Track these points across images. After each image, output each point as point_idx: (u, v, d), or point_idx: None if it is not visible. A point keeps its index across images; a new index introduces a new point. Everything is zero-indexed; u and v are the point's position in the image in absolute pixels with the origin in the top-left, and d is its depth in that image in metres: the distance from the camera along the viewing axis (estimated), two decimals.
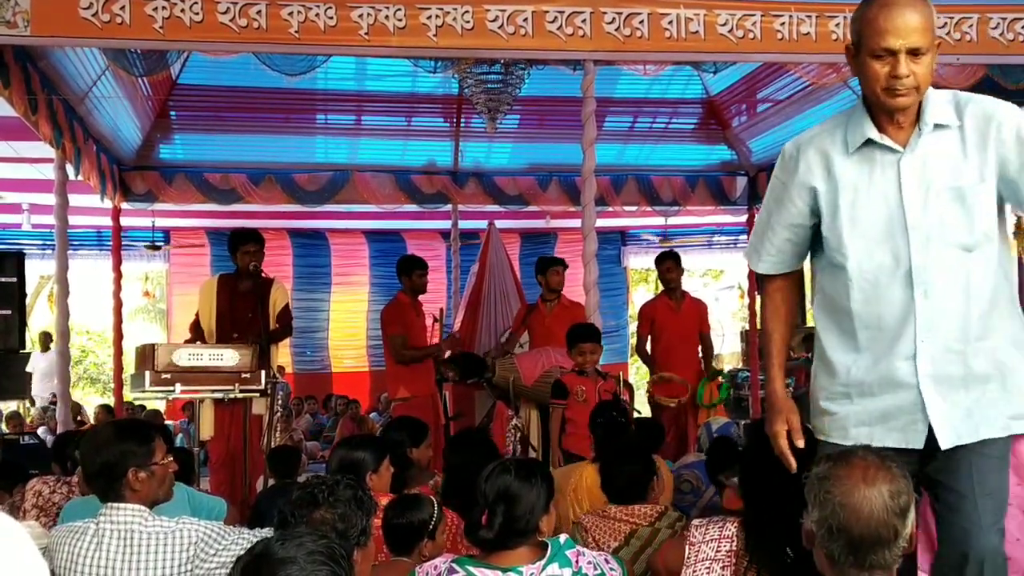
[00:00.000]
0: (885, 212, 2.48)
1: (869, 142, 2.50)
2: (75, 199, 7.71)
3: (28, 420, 11.35)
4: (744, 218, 10.72)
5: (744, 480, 2.88)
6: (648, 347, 7.70)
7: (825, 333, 2.61)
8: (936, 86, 2.54)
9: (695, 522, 2.81)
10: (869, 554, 1.98)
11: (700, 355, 7.66)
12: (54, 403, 10.20)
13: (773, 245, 2.71)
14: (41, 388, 11.35)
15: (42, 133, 6.42)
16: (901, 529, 1.99)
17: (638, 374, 15.12)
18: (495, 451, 4.34)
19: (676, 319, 7.52)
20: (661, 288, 7.96)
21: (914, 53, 2.39)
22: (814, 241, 2.66)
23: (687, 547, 2.72)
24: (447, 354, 7.51)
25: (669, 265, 7.62)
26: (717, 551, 2.68)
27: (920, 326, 2.44)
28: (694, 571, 2.67)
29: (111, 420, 8.37)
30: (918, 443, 2.45)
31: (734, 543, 2.67)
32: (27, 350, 9.49)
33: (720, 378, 7.92)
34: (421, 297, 7.50)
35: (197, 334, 6.56)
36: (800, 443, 2.55)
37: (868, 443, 2.32)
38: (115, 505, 2.76)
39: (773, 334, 2.75)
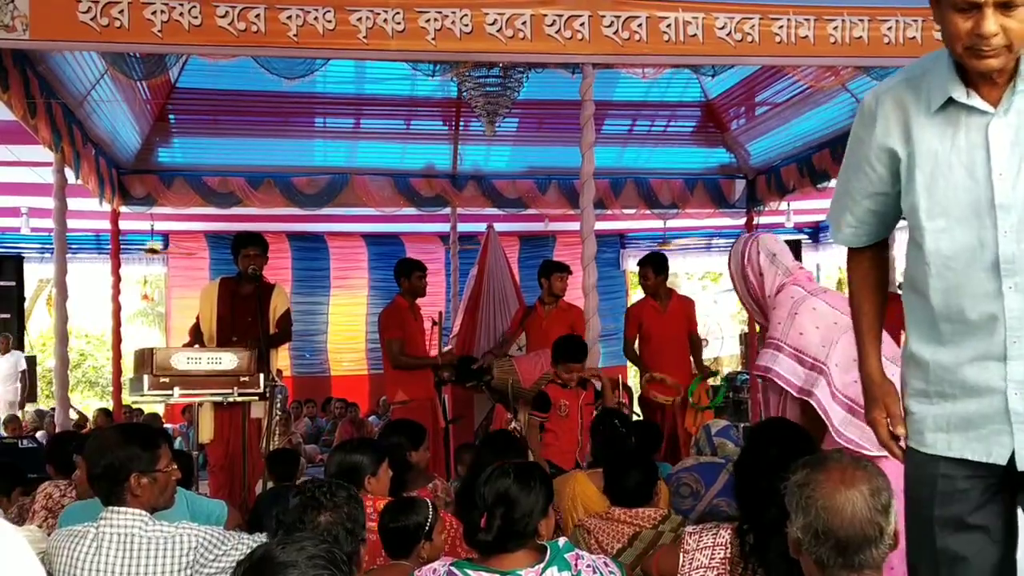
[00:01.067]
0: (970, 186, 2.08)
1: (953, 101, 2.09)
2: (74, 203, 7.72)
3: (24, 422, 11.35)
4: (743, 221, 10.74)
5: (740, 484, 2.87)
6: (637, 349, 7.69)
7: (908, 320, 2.26)
8: None
9: (689, 529, 2.80)
10: (857, 554, 2.00)
11: (691, 355, 7.63)
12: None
13: (854, 216, 2.34)
14: (3, 392, 11.31)
15: (41, 137, 6.42)
16: (885, 526, 2.01)
17: (636, 377, 15.11)
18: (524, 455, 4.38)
19: (663, 320, 7.48)
20: None
21: (1005, 5, 1.96)
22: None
23: (681, 554, 2.71)
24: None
25: (645, 272, 7.54)
26: (711, 559, 2.67)
27: (1011, 324, 2.06)
28: None
29: (119, 423, 8.39)
30: (1002, 458, 2.09)
31: (728, 550, 2.67)
32: (26, 353, 9.54)
33: (715, 380, 7.89)
34: (420, 300, 7.51)
35: (196, 338, 6.56)
36: (900, 431, 2.25)
37: (945, 453, 2.15)
38: (115, 509, 2.76)
39: (863, 305, 2.39)
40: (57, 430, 7.37)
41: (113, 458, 2.80)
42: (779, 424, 3.13)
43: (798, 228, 12.80)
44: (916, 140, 2.13)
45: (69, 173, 7.38)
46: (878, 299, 2.39)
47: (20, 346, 9.20)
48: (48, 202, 7.67)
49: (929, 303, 2.15)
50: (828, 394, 3.56)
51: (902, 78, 2.20)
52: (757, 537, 2.61)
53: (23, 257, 9.89)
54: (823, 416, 3.54)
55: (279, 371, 6.44)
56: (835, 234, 2.42)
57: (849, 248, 2.42)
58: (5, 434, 9.89)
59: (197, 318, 6.62)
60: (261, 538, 2.73)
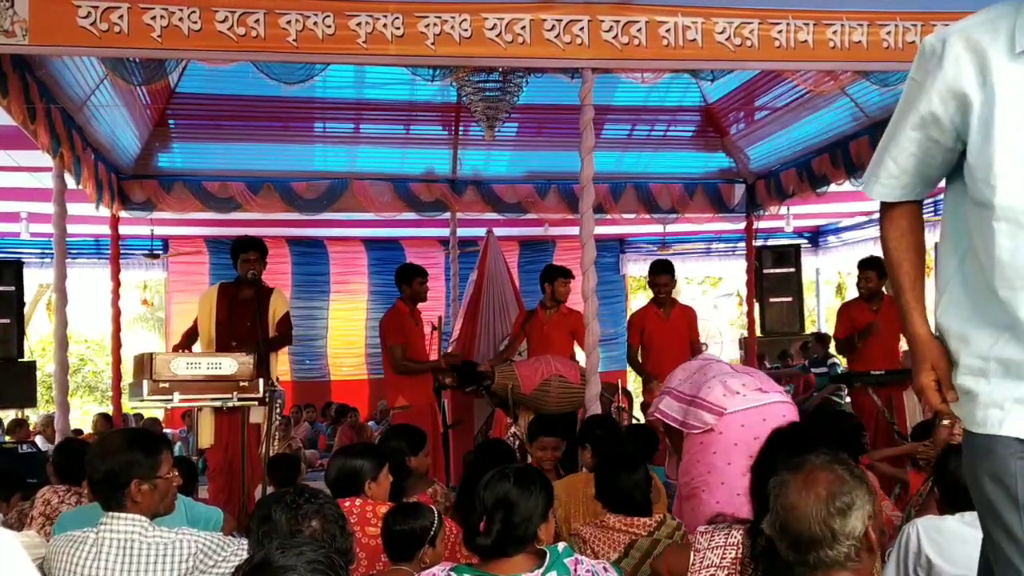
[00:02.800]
0: None
1: None
2: (73, 208, 7.70)
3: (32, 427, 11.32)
4: (742, 225, 10.74)
5: (755, 486, 2.86)
6: (639, 356, 7.71)
7: (959, 293, 2.08)
8: None
9: (700, 528, 2.80)
10: (809, 552, 2.05)
11: None
12: None
13: (897, 164, 2.14)
14: None
15: (40, 142, 6.42)
16: (839, 528, 2.03)
17: (636, 382, 15.11)
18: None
19: (665, 327, 7.54)
20: (651, 296, 7.97)
21: None
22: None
23: (692, 553, 2.71)
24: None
25: (665, 280, 7.62)
26: (722, 558, 2.67)
27: None
28: None
29: (122, 428, 8.38)
30: None
31: (739, 550, 2.66)
32: (26, 358, 9.52)
33: None
34: (420, 305, 7.51)
35: (188, 341, 6.58)
36: (951, 397, 2.07)
37: (996, 431, 1.94)
38: (115, 514, 2.76)
39: (903, 264, 2.19)
40: (57, 435, 7.35)
41: (114, 463, 2.80)
42: (794, 428, 3.14)
43: (797, 232, 12.81)
44: (996, 83, 1.93)
45: (68, 178, 7.37)
46: (917, 258, 2.20)
47: (20, 351, 9.19)
48: (48, 207, 7.65)
49: (993, 265, 1.95)
50: (666, 398, 4.37)
51: (970, 22, 2.00)
52: (769, 538, 2.61)
53: (23, 262, 9.88)
54: (664, 419, 4.42)
55: (276, 377, 6.46)
56: (871, 186, 2.23)
57: (883, 205, 2.24)
58: (9, 439, 9.88)
59: (194, 322, 6.64)
60: None
